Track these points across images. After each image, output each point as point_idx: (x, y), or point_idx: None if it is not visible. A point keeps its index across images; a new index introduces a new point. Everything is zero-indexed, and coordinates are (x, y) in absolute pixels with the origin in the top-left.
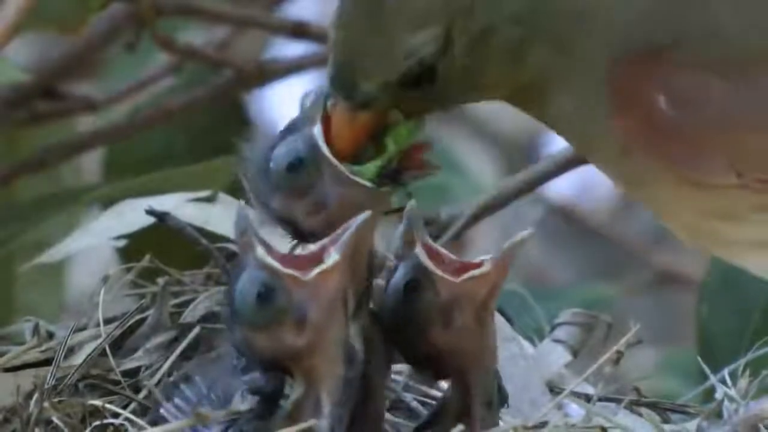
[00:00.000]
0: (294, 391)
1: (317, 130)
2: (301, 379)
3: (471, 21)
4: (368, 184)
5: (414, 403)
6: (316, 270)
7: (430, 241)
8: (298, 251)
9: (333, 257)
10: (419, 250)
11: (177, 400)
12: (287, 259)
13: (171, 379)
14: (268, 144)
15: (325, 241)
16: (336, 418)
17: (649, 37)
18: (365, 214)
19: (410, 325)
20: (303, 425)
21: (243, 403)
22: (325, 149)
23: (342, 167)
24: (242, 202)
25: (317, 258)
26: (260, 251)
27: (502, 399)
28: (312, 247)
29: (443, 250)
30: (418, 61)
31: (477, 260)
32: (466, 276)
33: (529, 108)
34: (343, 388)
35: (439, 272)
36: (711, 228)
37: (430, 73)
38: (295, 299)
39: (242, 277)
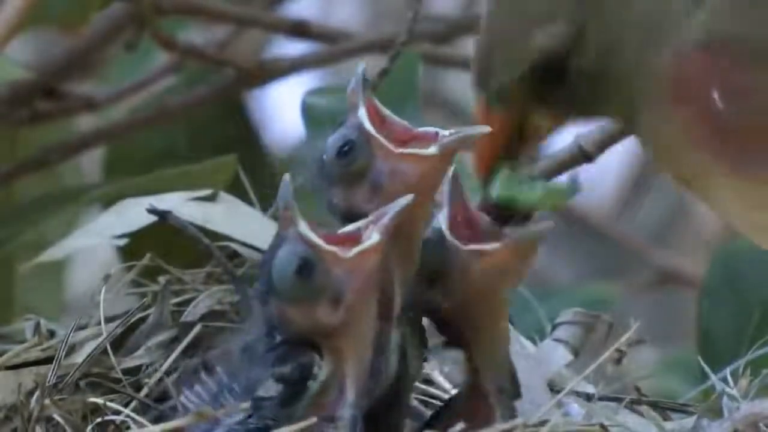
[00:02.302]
0: (322, 372)
1: (362, 112)
2: (330, 359)
3: (602, 22)
4: (424, 152)
5: (414, 402)
6: (356, 249)
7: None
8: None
9: (373, 237)
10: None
11: (197, 388)
12: (328, 236)
13: (173, 379)
14: (321, 142)
15: (365, 220)
16: (359, 409)
17: (710, 33)
18: (408, 196)
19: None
20: (311, 421)
21: (267, 391)
22: (370, 127)
23: (389, 144)
24: (287, 175)
25: (356, 237)
26: (303, 226)
27: (516, 390)
28: (351, 226)
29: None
30: (545, 54)
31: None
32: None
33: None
34: (370, 378)
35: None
36: (760, 222)
37: (560, 71)
38: (333, 277)
39: (281, 251)
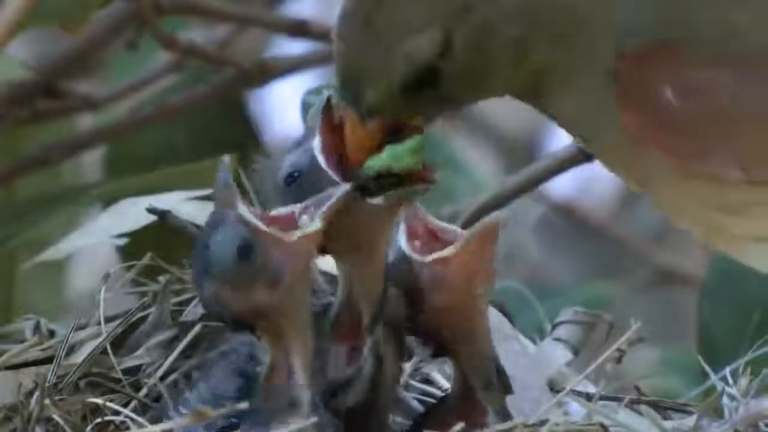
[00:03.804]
0: (267, 355)
1: (316, 142)
2: (270, 341)
3: (469, 22)
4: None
5: (414, 402)
6: (299, 233)
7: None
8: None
9: (316, 224)
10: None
11: (181, 408)
12: (265, 219)
13: (172, 379)
14: (278, 161)
15: (297, 205)
16: (314, 390)
17: (657, 32)
18: (345, 185)
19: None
20: (299, 425)
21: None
22: (322, 161)
23: (339, 179)
24: (224, 157)
25: (290, 219)
26: (242, 208)
27: (505, 386)
28: (284, 209)
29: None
30: (416, 66)
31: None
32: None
33: (535, 104)
34: (315, 359)
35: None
36: (716, 222)
37: (432, 77)
38: (272, 259)
39: (219, 233)
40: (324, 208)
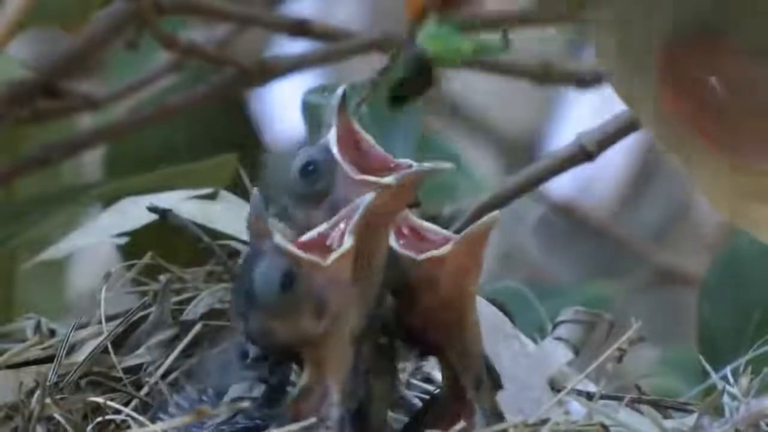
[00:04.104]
0: (302, 378)
1: (331, 134)
2: (311, 366)
3: None
4: (381, 180)
5: (415, 401)
6: (334, 255)
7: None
8: (303, 237)
9: (347, 241)
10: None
11: (177, 398)
12: (301, 245)
13: (173, 378)
14: (290, 158)
15: (325, 225)
16: (345, 409)
17: (707, 20)
18: (370, 194)
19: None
20: (309, 421)
21: (248, 391)
22: (335, 150)
23: (351, 169)
24: (256, 189)
25: (323, 242)
26: (279, 237)
27: (495, 382)
28: (313, 232)
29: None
30: None
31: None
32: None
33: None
34: (353, 380)
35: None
36: (748, 208)
37: None
38: (314, 285)
39: (261, 265)
40: (352, 223)
